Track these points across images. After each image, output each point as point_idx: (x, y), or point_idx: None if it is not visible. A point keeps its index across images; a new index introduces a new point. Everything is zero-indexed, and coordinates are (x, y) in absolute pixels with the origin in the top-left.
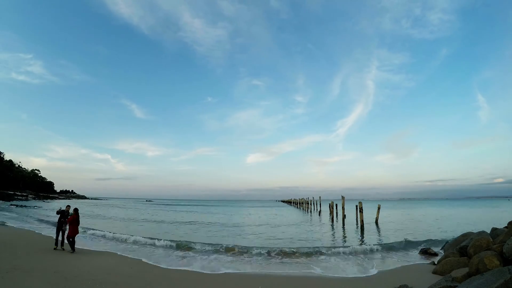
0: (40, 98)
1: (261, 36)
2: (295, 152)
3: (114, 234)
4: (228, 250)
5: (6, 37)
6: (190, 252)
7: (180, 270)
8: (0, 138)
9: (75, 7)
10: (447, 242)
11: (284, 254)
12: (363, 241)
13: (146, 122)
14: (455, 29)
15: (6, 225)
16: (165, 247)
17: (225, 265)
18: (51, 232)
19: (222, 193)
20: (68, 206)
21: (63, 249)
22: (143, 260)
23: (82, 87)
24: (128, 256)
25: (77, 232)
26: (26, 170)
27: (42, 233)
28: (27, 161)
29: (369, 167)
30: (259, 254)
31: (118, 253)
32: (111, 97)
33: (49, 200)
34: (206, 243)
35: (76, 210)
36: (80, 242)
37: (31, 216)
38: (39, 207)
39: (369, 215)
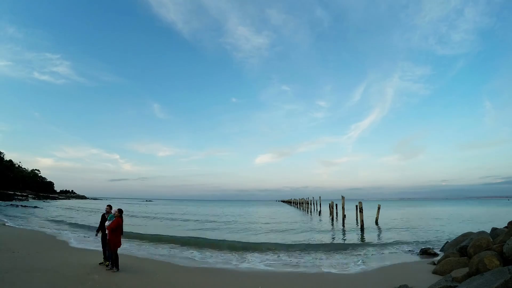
0: (60, 98)
1: (300, 44)
2: (307, 153)
3: None
4: None
5: (35, 36)
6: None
7: (184, 266)
8: (10, 138)
9: (117, 9)
10: (447, 242)
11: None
12: (362, 241)
13: (164, 122)
14: (473, 46)
15: (6, 225)
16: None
17: None
18: (51, 231)
19: (230, 193)
20: (109, 206)
21: (108, 266)
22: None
23: (108, 88)
24: (132, 255)
25: (120, 244)
26: (26, 170)
27: (42, 233)
28: (35, 160)
29: (377, 168)
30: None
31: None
32: (136, 97)
33: (49, 200)
34: None
35: (120, 211)
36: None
37: (31, 216)
38: (39, 207)
39: (373, 215)
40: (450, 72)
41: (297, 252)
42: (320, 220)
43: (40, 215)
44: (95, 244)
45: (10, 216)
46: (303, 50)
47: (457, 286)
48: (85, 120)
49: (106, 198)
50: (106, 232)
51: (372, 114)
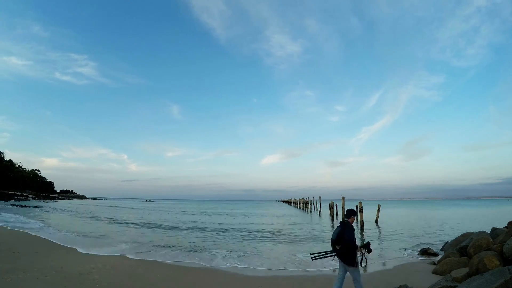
0: (79, 99)
1: (330, 52)
2: (316, 155)
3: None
4: None
5: (62, 36)
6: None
7: (183, 266)
8: (19, 138)
9: (157, 12)
10: (447, 242)
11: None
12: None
13: (180, 122)
14: (484, 59)
15: (6, 224)
16: None
17: None
18: (51, 231)
19: (236, 193)
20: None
21: None
22: (145, 259)
23: (131, 89)
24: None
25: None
26: (26, 170)
27: (42, 233)
28: (39, 160)
29: (383, 169)
30: None
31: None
32: (157, 98)
33: (49, 200)
34: None
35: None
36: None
37: (31, 216)
38: (39, 207)
39: (374, 215)
40: (461, 80)
41: (294, 251)
42: (320, 220)
43: (40, 215)
44: (94, 244)
45: (10, 216)
46: (331, 57)
47: (457, 286)
48: (98, 120)
49: (107, 198)
50: None
51: (384, 118)
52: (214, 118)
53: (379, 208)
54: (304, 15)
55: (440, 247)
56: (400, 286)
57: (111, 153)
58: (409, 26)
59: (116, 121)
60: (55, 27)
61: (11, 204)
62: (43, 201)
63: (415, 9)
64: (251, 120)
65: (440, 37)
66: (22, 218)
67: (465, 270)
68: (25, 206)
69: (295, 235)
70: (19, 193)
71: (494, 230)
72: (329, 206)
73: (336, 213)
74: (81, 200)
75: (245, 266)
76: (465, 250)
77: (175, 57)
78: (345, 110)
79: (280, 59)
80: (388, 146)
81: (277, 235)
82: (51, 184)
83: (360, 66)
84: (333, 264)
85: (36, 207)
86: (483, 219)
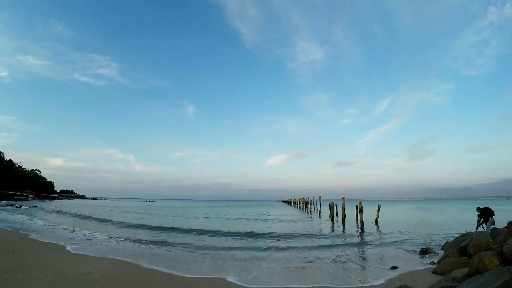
0: (93, 100)
1: (352, 59)
2: (322, 156)
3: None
4: None
5: (86, 36)
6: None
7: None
8: (26, 138)
9: (186, 15)
10: (447, 242)
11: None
12: (362, 240)
13: (195, 123)
14: (492, 68)
15: (6, 224)
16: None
17: None
18: (51, 231)
19: (243, 193)
20: None
21: None
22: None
23: (150, 90)
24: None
25: None
26: (26, 170)
27: (42, 233)
28: (43, 160)
29: (387, 169)
30: None
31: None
32: (174, 99)
33: (49, 200)
34: None
35: None
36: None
37: (31, 216)
38: (39, 207)
39: (382, 215)
40: (468, 87)
41: (294, 251)
42: (320, 220)
43: (40, 215)
44: (95, 244)
45: (10, 216)
46: (352, 64)
47: (457, 286)
48: (110, 121)
49: (106, 198)
50: None
51: (392, 121)
52: (226, 118)
53: (379, 208)
54: (332, 23)
55: (440, 247)
56: (400, 286)
57: (118, 153)
58: (427, 36)
59: (127, 122)
60: (80, 27)
61: (11, 204)
62: (43, 201)
63: (434, 22)
64: (264, 121)
65: (454, 47)
66: (22, 218)
67: (465, 270)
68: (25, 206)
69: None
70: (19, 193)
71: (494, 230)
72: (329, 206)
73: (336, 213)
74: (81, 200)
75: None
76: (465, 250)
77: (200, 59)
78: (357, 113)
79: (302, 65)
80: (394, 148)
81: None
82: (51, 184)
83: (377, 73)
84: (331, 264)
85: (36, 207)
86: None
